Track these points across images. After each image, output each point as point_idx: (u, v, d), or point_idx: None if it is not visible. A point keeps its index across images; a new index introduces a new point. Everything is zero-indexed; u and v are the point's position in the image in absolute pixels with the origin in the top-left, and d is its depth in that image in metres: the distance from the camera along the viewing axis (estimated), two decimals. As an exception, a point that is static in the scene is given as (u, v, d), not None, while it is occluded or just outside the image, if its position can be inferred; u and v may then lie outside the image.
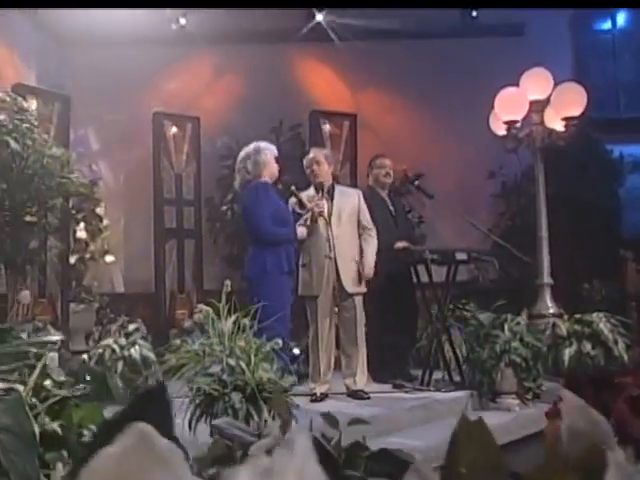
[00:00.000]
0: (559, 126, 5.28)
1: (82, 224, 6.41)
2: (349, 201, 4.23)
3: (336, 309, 4.05)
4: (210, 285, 6.35)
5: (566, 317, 4.78)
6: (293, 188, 4.07)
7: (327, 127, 6.36)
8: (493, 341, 4.01)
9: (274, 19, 6.68)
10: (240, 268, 4.56)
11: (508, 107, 5.29)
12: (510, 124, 5.27)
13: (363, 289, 4.16)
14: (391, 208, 4.91)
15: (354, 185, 5.85)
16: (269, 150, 3.92)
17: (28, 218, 4.94)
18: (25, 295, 4.15)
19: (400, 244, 4.29)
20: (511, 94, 5.29)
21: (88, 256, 6.47)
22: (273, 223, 3.74)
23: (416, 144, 6.76)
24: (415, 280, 4.50)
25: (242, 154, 3.99)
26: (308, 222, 4.09)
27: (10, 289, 4.95)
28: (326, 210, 4.12)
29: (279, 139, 6.48)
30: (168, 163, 6.47)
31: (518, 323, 4.15)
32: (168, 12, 6.61)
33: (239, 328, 2.64)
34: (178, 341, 3.08)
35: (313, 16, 6.84)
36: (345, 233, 4.13)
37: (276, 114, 6.47)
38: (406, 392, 4.20)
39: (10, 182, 4.73)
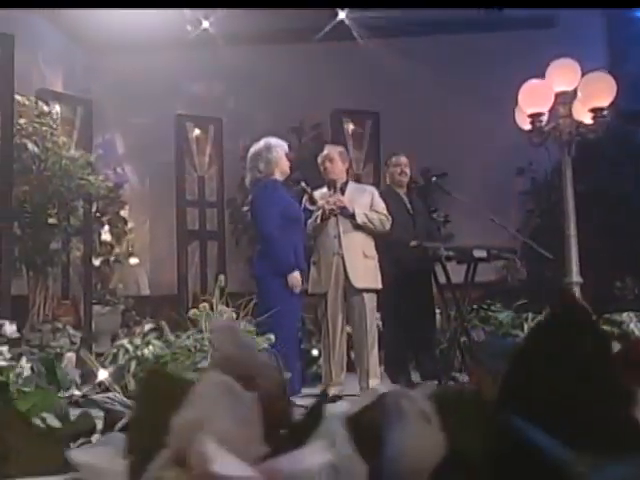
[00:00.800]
0: (587, 118, 5.07)
1: (107, 227, 6.49)
2: (362, 199, 4.14)
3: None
4: (233, 287, 6.32)
5: (595, 317, 4.56)
6: (303, 184, 4.00)
7: (349, 126, 6.28)
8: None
9: (295, 19, 6.65)
10: None
11: (532, 100, 5.11)
12: (534, 117, 5.09)
13: (374, 286, 4.04)
14: (409, 206, 4.76)
15: (377, 184, 5.76)
16: (280, 147, 3.87)
17: (49, 220, 5.02)
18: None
19: (414, 242, 4.16)
20: (535, 86, 5.11)
21: (113, 258, 6.55)
22: (282, 221, 3.68)
23: (441, 141, 6.61)
24: (433, 279, 4.37)
25: (252, 151, 3.95)
26: (318, 220, 4.02)
27: (31, 290, 5.03)
28: (336, 207, 4.03)
29: (301, 139, 6.44)
30: (190, 165, 6.49)
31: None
32: (190, 15, 6.66)
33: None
34: (172, 337, 3.04)
35: (335, 14, 6.79)
36: (356, 230, 4.03)
37: (298, 114, 6.44)
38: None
39: (30, 184, 4.82)
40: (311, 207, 3.93)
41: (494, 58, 6.39)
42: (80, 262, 5.72)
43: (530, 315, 3.94)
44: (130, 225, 6.80)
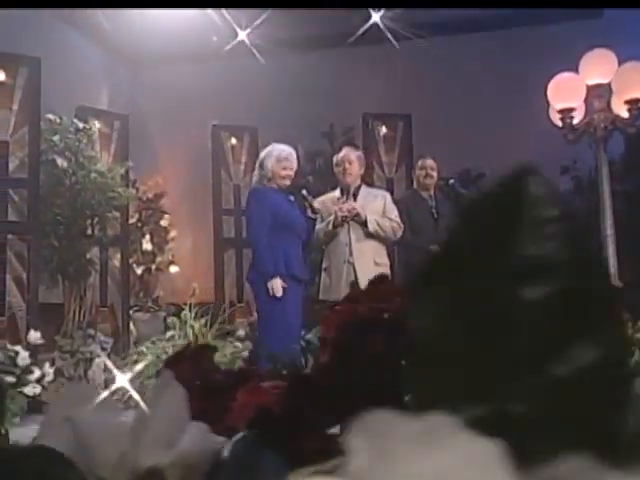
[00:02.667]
0: (624, 111, 4.80)
1: (147, 236, 6.73)
2: (373, 204, 4.11)
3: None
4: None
5: (630, 324, 4.31)
6: (304, 192, 4.01)
7: (380, 129, 6.23)
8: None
9: (329, 23, 6.69)
10: (313, 273, 4.56)
11: (562, 94, 4.90)
12: (565, 113, 4.87)
13: None
14: (434, 210, 4.69)
15: (409, 187, 5.68)
16: (278, 154, 3.90)
17: (85, 231, 5.27)
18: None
19: (433, 247, 4.08)
20: (565, 80, 4.90)
21: (154, 267, 6.79)
22: (272, 228, 3.70)
23: (478, 142, 6.43)
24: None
25: (258, 160, 4.03)
26: (330, 226, 4.02)
27: (67, 298, 5.29)
28: (349, 214, 4.02)
29: (333, 144, 6.45)
30: (226, 174, 6.63)
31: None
32: (225, 27, 6.82)
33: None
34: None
35: (368, 17, 6.76)
36: (367, 237, 4.00)
37: (331, 119, 6.45)
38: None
39: (61, 197, 5.08)
40: (312, 216, 3.92)
41: (533, 52, 6.16)
42: (118, 270, 5.96)
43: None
44: (172, 234, 7.02)
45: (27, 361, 3.97)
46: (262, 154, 4.00)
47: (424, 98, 6.28)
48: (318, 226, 4.03)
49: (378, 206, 4.10)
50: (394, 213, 4.10)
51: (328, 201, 4.14)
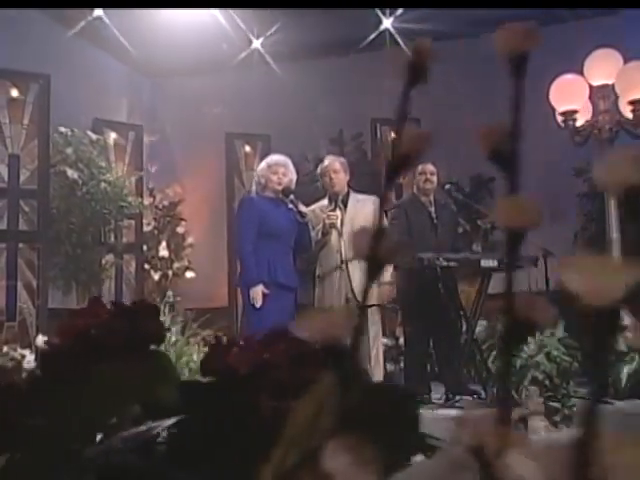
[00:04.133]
0: (629, 112, 4.73)
1: (164, 243, 6.94)
2: (363, 210, 4.16)
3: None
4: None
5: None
6: (292, 197, 4.09)
7: (389, 134, 6.27)
8: (514, 355, 3.69)
9: (339, 30, 6.77)
10: (309, 282, 4.65)
11: (563, 96, 4.86)
12: (567, 115, 4.83)
13: (378, 300, 4.04)
14: (433, 216, 4.68)
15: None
16: (268, 171, 3.99)
17: (101, 239, 5.49)
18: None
19: (422, 255, 4.09)
20: (567, 82, 4.86)
21: (171, 273, 6.99)
22: (259, 237, 3.80)
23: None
24: (444, 291, 4.27)
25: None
26: (319, 235, 4.09)
27: (80, 303, 5.51)
28: (339, 221, 4.08)
29: (343, 150, 6.51)
30: (239, 182, 6.78)
31: (552, 335, 3.78)
32: (239, 36, 6.98)
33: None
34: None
35: (379, 23, 6.82)
36: None
37: (341, 124, 6.53)
38: (433, 408, 4.00)
39: (73, 207, 5.31)
40: (301, 220, 4.01)
41: (544, 52, 6.07)
42: (133, 277, 6.17)
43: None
44: (189, 241, 7.21)
45: (32, 365, 4.17)
46: (260, 167, 4.13)
47: (432, 102, 6.27)
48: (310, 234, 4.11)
49: (368, 211, 4.14)
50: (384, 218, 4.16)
51: (318, 210, 4.21)
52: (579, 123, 4.93)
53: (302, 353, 0.62)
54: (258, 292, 3.68)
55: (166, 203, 6.92)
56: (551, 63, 5.93)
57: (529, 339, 3.73)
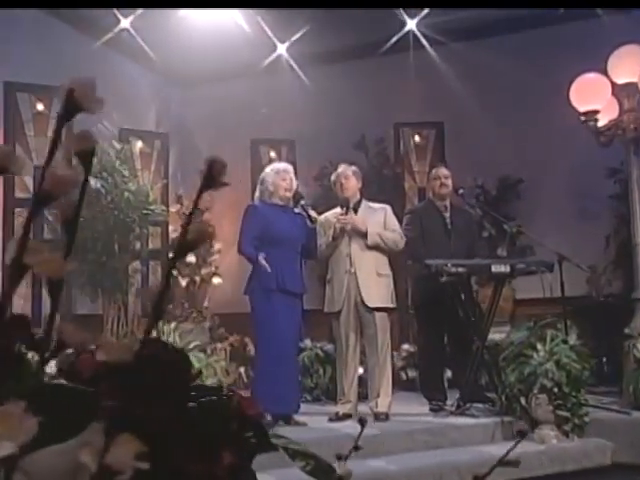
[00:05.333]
0: (653, 111, 4.64)
1: (191, 249, 7.15)
2: (374, 217, 4.24)
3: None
4: (309, 304, 6.63)
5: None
6: (303, 203, 4.20)
7: (412, 138, 6.31)
8: (523, 362, 3.70)
9: (363, 33, 6.86)
10: (320, 286, 4.78)
11: (584, 96, 4.80)
12: (588, 115, 4.77)
13: (387, 304, 4.10)
14: (447, 221, 4.65)
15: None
16: (277, 177, 4.12)
17: (117, 247, 5.71)
18: None
19: (430, 261, 4.13)
20: (588, 81, 4.80)
21: (198, 278, 7.19)
22: (265, 244, 3.92)
23: (516, 147, 6.36)
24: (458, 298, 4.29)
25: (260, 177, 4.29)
26: (330, 238, 4.19)
27: (105, 310, 5.77)
28: (350, 226, 4.17)
29: (368, 154, 6.59)
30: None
31: (564, 342, 3.77)
32: (264, 43, 7.15)
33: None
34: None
35: (403, 25, 6.86)
36: (368, 248, 4.13)
37: (364, 129, 6.60)
38: (444, 416, 4.05)
39: (98, 215, 5.56)
40: (311, 225, 4.12)
41: (568, 52, 6.02)
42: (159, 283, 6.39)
43: (550, 334, 3.74)
44: (217, 247, 7.40)
45: (54, 370, 4.39)
46: (262, 174, 4.26)
47: (457, 103, 6.29)
48: (321, 240, 4.22)
49: (379, 219, 4.22)
50: (395, 225, 4.22)
51: (330, 216, 4.31)
52: (603, 123, 4.86)
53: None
54: (262, 259, 3.85)
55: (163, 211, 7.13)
56: (578, 60, 5.88)
57: (539, 346, 3.74)
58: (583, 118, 4.82)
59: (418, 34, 6.89)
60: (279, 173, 4.11)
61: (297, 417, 3.88)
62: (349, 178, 4.34)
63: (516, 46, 6.31)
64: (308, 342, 5.72)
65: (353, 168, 4.44)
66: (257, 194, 4.25)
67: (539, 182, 6.35)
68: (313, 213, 4.16)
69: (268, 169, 4.26)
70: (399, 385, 5.72)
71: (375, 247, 4.16)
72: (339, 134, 6.73)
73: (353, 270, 4.12)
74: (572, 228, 6.19)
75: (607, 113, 4.89)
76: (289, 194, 4.16)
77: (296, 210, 4.22)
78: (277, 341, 3.82)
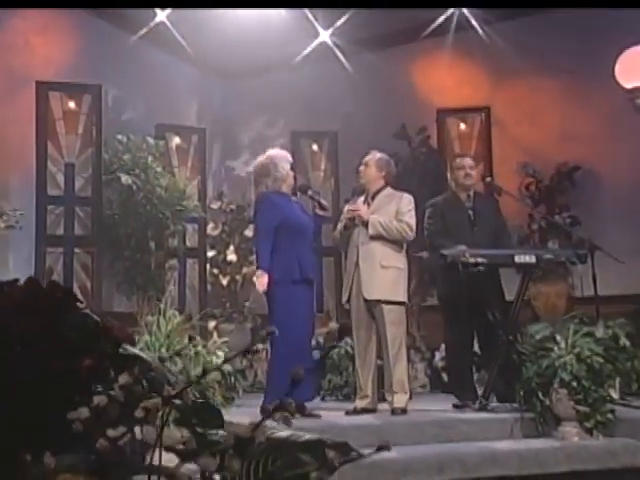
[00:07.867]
0: None
1: (232, 247, 7.48)
2: (388, 206, 4.33)
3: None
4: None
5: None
6: (310, 192, 4.38)
7: (456, 125, 6.38)
8: (543, 355, 3.74)
9: (407, 16, 6.97)
10: None
11: (631, 71, 4.74)
12: (635, 92, 4.71)
13: (390, 297, 4.18)
14: (470, 212, 4.66)
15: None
16: (285, 162, 4.31)
17: (151, 244, 6.09)
18: None
19: (445, 251, 4.20)
20: (635, 54, 4.74)
21: (240, 278, 7.51)
22: (285, 234, 4.10)
23: (570, 134, 6.28)
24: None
25: (258, 166, 4.40)
26: (341, 229, 4.36)
27: (139, 307, 6.16)
28: (364, 216, 4.29)
29: (411, 144, 6.68)
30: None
31: (589, 334, 3.79)
32: (306, 30, 7.38)
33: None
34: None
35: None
36: (374, 240, 4.23)
37: (407, 118, 6.71)
38: (463, 412, 4.14)
39: (131, 212, 5.96)
40: (322, 213, 4.29)
41: (623, 32, 5.89)
42: (196, 281, 6.75)
43: (572, 328, 3.76)
44: (258, 244, 7.70)
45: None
46: (263, 163, 4.34)
47: (503, 89, 6.31)
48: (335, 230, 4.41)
49: (391, 209, 4.31)
50: (408, 215, 4.27)
51: (348, 205, 4.48)
52: (653, 100, 4.80)
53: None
54: (264, 280, 4.02)
55: (234, 207, 7.45)
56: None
57: (559, 338, 3.77)
58: (629, 96, 4.77)
59: (467, 13, 6.94)
60: (290, 161, 4.31)
61: (316, 411, 3.96)
62: (369, 166, 4.48)
63: (569, 26, 6.24)
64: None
65: (378, 156, 4.52)
66: (269, 183, 4.30)
67: (595, 171, 6.25)
68: (324, 201, 4.34)
69: (275, 157, 4.32)
70: (440, 386, 5.78)
71: (380, 237, 4.24)
72: (382, 124, 6.86)
73: (359, 262, 4.25)
74: (636, 219, 6.06)
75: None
76: (293, 183, 4.37)
77: (294, 198, 4.40)
78: (296, 330, 3.97)
